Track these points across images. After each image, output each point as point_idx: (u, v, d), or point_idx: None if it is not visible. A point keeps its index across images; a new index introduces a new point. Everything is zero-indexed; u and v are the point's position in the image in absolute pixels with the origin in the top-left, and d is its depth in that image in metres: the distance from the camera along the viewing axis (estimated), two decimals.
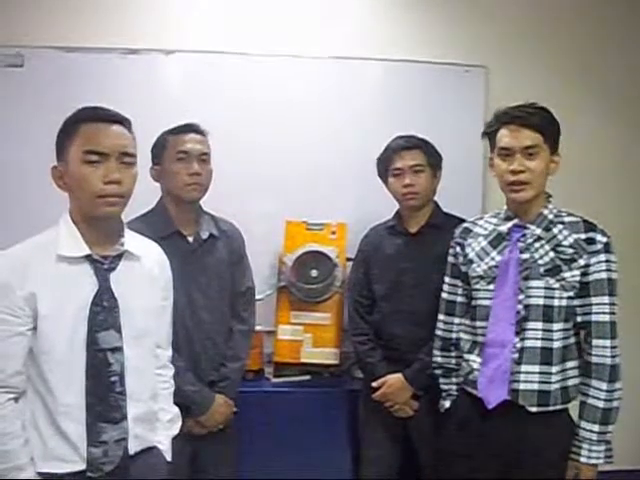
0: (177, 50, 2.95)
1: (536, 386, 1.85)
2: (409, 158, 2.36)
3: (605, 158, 3.25)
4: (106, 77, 2.85)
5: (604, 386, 1.83)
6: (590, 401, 1.85)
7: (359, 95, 3.06)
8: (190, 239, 2.20)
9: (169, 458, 1.71)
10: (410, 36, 3.11)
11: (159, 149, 2.20)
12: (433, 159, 2.41)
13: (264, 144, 2.95)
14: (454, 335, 2.09)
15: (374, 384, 2.39)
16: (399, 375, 2.36)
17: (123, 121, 1.61)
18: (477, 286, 1.99)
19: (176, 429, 1.78)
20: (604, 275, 1.85)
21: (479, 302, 1.98)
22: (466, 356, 2.01)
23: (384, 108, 3.06)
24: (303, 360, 2.67)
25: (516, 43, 3.14)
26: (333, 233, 2.78)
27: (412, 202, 2.38)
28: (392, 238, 2.47)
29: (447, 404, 2.09)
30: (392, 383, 2.36)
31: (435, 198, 2.47)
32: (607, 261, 1.85)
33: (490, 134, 1.96)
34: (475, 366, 1.96)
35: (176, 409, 1.80)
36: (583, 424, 1.85)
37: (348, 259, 2.72)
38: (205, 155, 2.20)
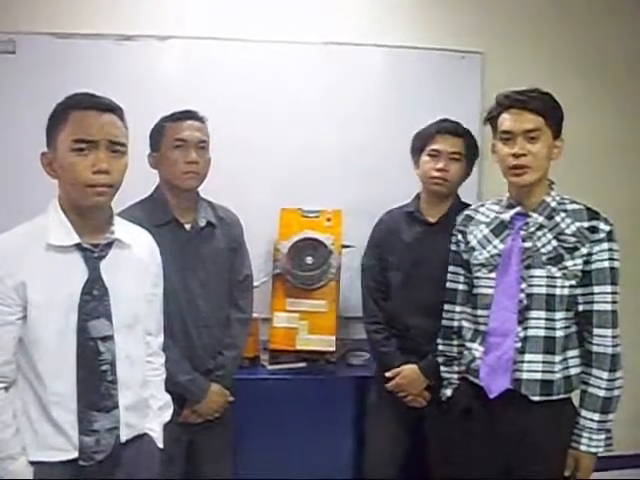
0: (172, 36, 2.94)
1: (539, 375, 1.84)
2: (451, 143, 2.28)
3: (603, 144, 3.23)
4: (100, 63, 2.83)
5: (605, 375, 1.83)
6: (591, 390, 1.85)
7: (355, 81, 3.04)
8: (188, 227, 2.17)
9: (161, 445, 1.71)
10: (406, 22, 3.10)
11: (157, 136, 2.16)
12: (471, 153, 2.33)
13: (261, 131, 2.94)
14: (456, 323, 2.08)
15: (388, 374, 2.36)
16: (414, 366, 2.33)
17: (115, 109, 1.58)
18: (478, 274, 1.98)
19: (167, 416, 1.78)
20: (606, 264, 1.83)
21: (480, 290, 1.97)
22: (468, 344, 2.01)
23: (380, 94, 3.05)
24: (299, 347, 2.66)
25: (513, 29, 3.13)
26: (328, 220, 2.76)
27: (438, 187, 2.30)
28: (411, 225, 2.39)
29: (448, 393, 2.09)
30: (407, 374, 2.33)
31: None
32: (610, 250, 1.84)
33: (492, 119, 1.94)
34: (477, 355, 1.95)
35: (167, 396, 1.80)
36: (584, 413, 1.85)
37: (343, 246, 2.72)
38: (203, 143, 2.15)
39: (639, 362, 2.97)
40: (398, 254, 2.39)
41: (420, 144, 2.35)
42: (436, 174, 2.28)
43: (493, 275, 1.93)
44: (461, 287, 2.07)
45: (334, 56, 3.02)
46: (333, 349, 2.68)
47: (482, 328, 1.95)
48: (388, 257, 2.41)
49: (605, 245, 1.83)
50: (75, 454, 1.51)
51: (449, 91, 3.04)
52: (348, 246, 2.75)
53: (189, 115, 2.15)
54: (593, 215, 1.87)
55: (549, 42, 3.14)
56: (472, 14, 3.10)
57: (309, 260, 2.63)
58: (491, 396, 1.88)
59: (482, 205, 2.08)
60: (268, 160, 2.94)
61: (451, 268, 2.11)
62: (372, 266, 2.46)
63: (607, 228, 1.85)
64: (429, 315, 2.25)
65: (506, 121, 1.87)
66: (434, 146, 2.29)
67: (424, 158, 2.32)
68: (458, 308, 2.08)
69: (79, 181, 1.51)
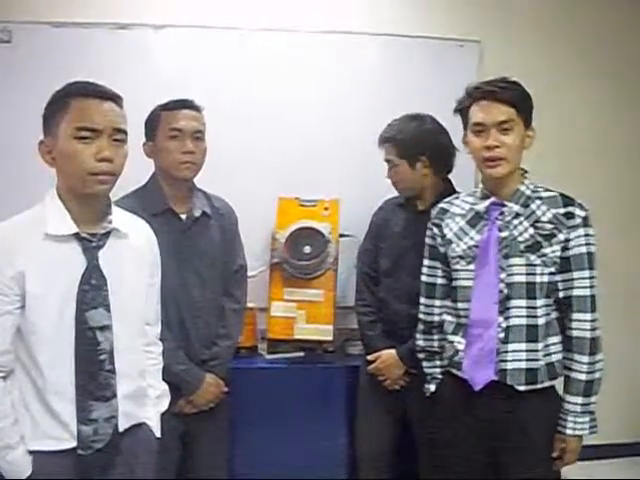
0: (167, 25, 2.92)
1: (524, 364, 1.84)
2: (387, 151, 2.38)
3: (600, 130, 3.24)
4: (95, 52, 2.82)
5: (585, 359, 1.84)
6: (573, 375, 1.86)
7: (353, 70, 3.04)
8: (183, 217, 2.17)
9: (158, 434, 1.71)
10: (404, 11, 3.09)
11: (152, 125, 2.14)
12: (408, 151, 2.36)
13: (257, 120, 2.93)
14: (436, 318, 2.07)
15: (369, 357, 2.43)
16: (392, 351, 2.38)
17: (115, 98, 1.57)
18: (457, 267, 1.96)
19: (164, 405, 1.78)
20: (584, 249, 1.84)
21: (460, 283, 1.96)
22: (450, 338, 2.00)
23: (378, 82, 3.04)
24: (296, 337, 2.67)
25: (511, 18, 3.13)
26: (326, 209, 2.76)
27: (402, 192, 2.43)
28: (400, 214, 2.46)
29: (432, 388, 2.08)
30: (385, 359, 2.39)
31: None
32: (586, 235, 1.84)
33: (462, 110, 1.92)
34: (460, 347, 1.94)
35: (164, 385, 1.80)
36: (567, 397, 1.86)
37: (341, 235, 2.73)
38: (199, 132, 2.14)
39: (631, 351, 3.02)
40: (389, 242, 2.45)
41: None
42: (392, 180, 2.42)
43: (472, 267, 1.92)
44: (440, 281, 2.06)
45: (331, 44, 3.01)
46: (331, 338, 2.69)
47: (463, 321, 1.95)
48: (381, 244, 2.48)
49: (581, 230, 1.84)
50: (73, 443, 1.50)
51: (447, 80, 2.99)
52: (346, 235, 2.75)
53: (185, 104, 2.14)
54: (568, 201, 1.87)
55: (547, 30, 3.13)
56: (470, 2, 3.09)
57: (307, 249, 2.63)
58: (476, 388, 1.88)
59: (456, 197, 2.06)
60: (265, 149, 2.93)
61: (427, 262, 2.09)
62: (367, 252, 2.53)
63: (583, 214, 1.85)
64: (412, 302, 2.29)
65: (478, 113, 1.85)
66: (387, 157, 2.40)
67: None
68: (438, 302, 2.07)
69: (82, 168, 1.49)
